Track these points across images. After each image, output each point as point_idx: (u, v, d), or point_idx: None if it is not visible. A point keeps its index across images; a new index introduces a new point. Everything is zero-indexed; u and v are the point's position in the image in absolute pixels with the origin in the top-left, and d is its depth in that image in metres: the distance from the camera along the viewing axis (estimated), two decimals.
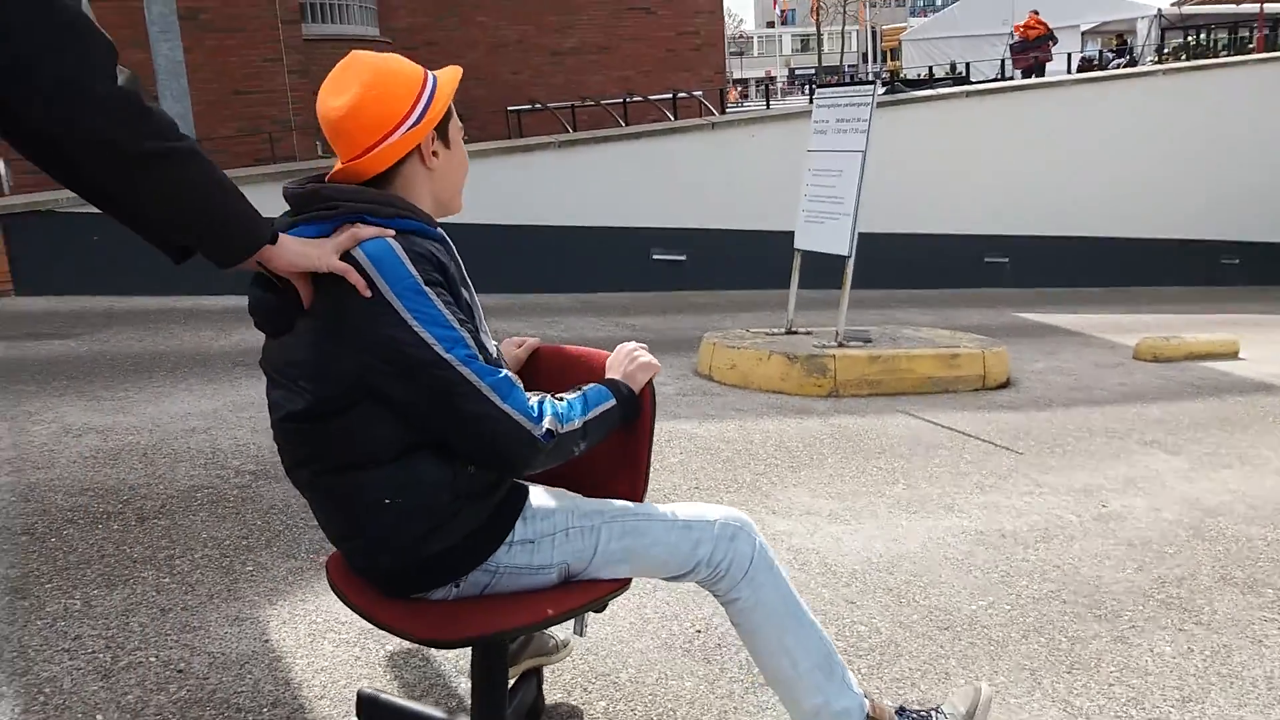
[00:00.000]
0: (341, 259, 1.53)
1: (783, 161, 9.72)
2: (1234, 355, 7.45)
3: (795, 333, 6.60)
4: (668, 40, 18.94)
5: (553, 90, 17.37)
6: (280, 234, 1.53)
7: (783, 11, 68.67)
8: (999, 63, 19.24)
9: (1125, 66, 21.85)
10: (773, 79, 49.73)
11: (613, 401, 1.76)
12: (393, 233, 1.58)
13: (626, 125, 13.24)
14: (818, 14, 52.27)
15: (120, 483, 3.78)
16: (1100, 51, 27.40)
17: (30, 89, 1.23)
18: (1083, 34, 30.41)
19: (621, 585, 1.83)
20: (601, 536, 1.78)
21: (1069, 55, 20.28)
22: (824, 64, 52.83)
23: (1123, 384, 6.41)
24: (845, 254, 6.17)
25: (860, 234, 6.11)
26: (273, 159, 11.90)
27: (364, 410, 1.57)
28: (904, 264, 11.46)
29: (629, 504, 1.85)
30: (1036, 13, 18.04)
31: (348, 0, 15.36)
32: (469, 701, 1.90)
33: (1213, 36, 29.50)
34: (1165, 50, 25.85)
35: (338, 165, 1.66)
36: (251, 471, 3.97)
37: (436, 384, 1.54)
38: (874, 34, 49.52)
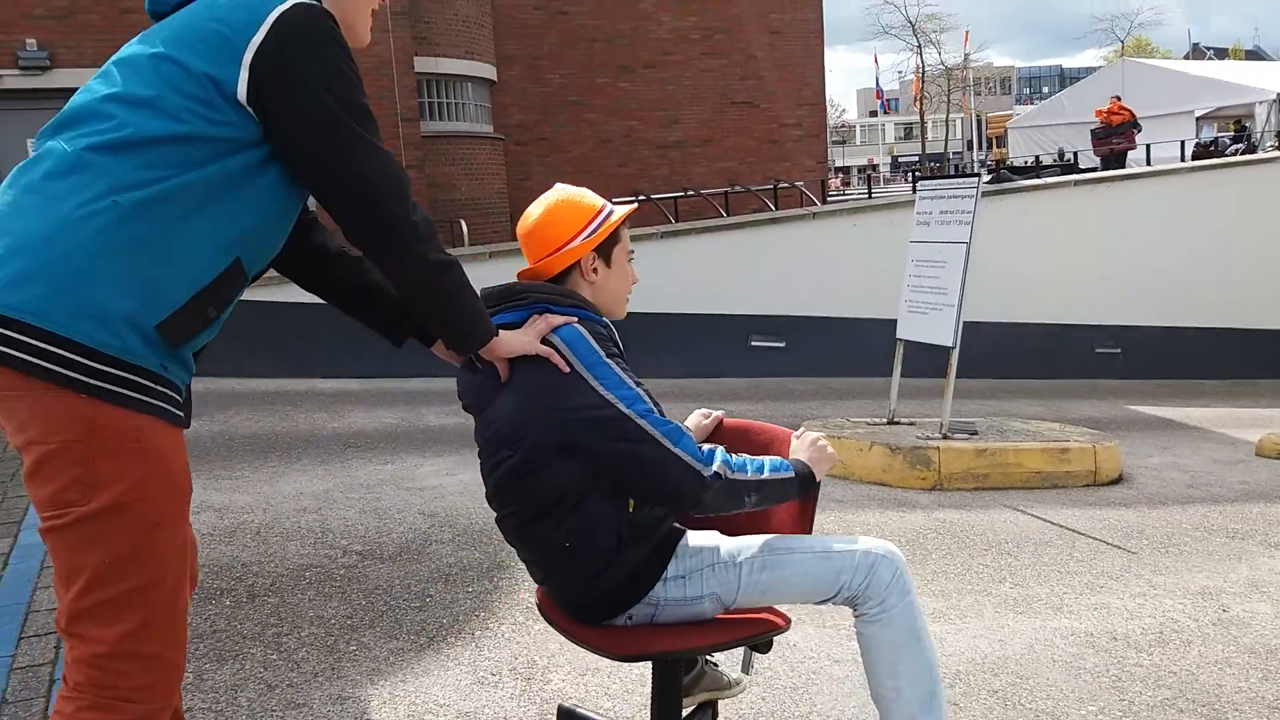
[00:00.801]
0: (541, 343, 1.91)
1: (884, 249, 9.74)
2: None
3: (898, 423, 6.52)
4: (771, 132, 19.28)
5: (657, 182, 17.83)
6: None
7: (886, 101, 69.13)
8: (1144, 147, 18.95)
9: (1244, 152, 21.25)
10: (875, 167, 49.88)
11: (791, 474, 2.00)
12: (576, 319, 1.95)
13: (728, 215, 13.46)
14: (921, 102, 52.44)
15: (234, 560, 3.95)
16: (1217, 138, 26.70)
17: (356, 218, 1.63)
18: (1198, 119, 29.74)
19: (780, 626, 2.05)
20: (743, 570, 2.00)
21: (1182, 143, 19.83)
22: (928, 151, 52.81)
23: (1244, 482, 6.11)
24: (950, 344, 6.11)
25: (965, 322, 6.05)
26: None
27: (550, 469, 1.90)
28: (1011, 354, 11.23)
29: (771, 538, 2.05)
30: (1119, 98, 17.67)
31: (462, 100, 16.14)
32: None
33: None
34: None
35: (527, 268, 2.09)
36: (359, 552, 4.10)
37: (620, 435, 1.86)
38: (979, 121, 49.33)
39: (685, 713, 2.18)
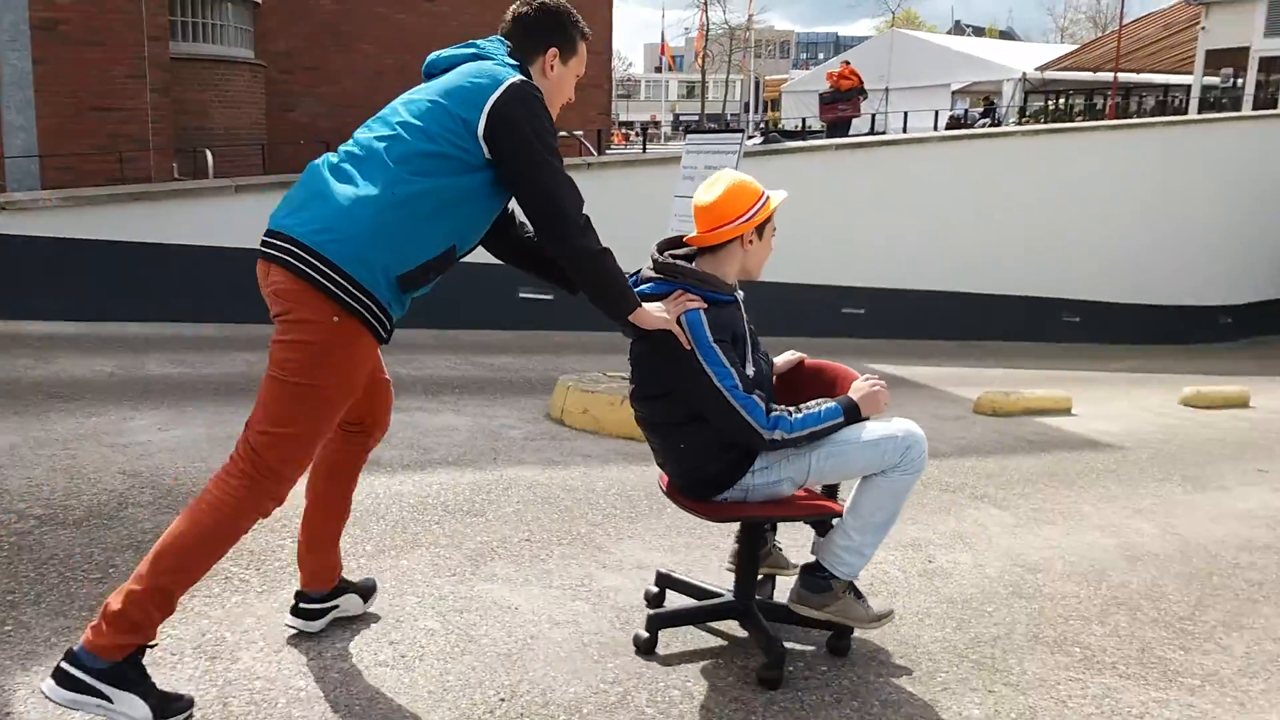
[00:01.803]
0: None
1: (659, 203, 9.75)
2: (1068, 411, 7.74)
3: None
4: None
5: None
6: (641, 301, 2.66)
7: (671, 57, 69.95)
8: (870, 116, 19.85)
9: (990, 126, 22.93)
10: (657, 124, 50.46)
11: (841, 417, 2.74)
12: (705, 305, 2.69)
13: None
14: (703, 62, 53.35)
15: None
16: (966, 110, 28.67)
17: (544, 220, 2.46)
18: (953, 93, 31.87)
19: (836, 511, 2.90)
20: (813, 459, 2.78)
21: (936, 113, 21.12)
22: (708, 111, 53.91)
23: (961, 437, 6.56)
24: None
25: None
26: (123, 179, 11.30)
27: (673, 398, 2.75)
28: (764, 312, 11.57)
29: (835, 436, 2.75)
30: (849, 63, 18.09)
31: (220, 21, 14.87)
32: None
33: (1070, 102, 31.31)
34: (1027, 113, 27.23)
35: (697, 234, 2.77)
36: (38, 516, 3.65)
37: (711, 398, 2.66)
38: (757, 84, 50.81)
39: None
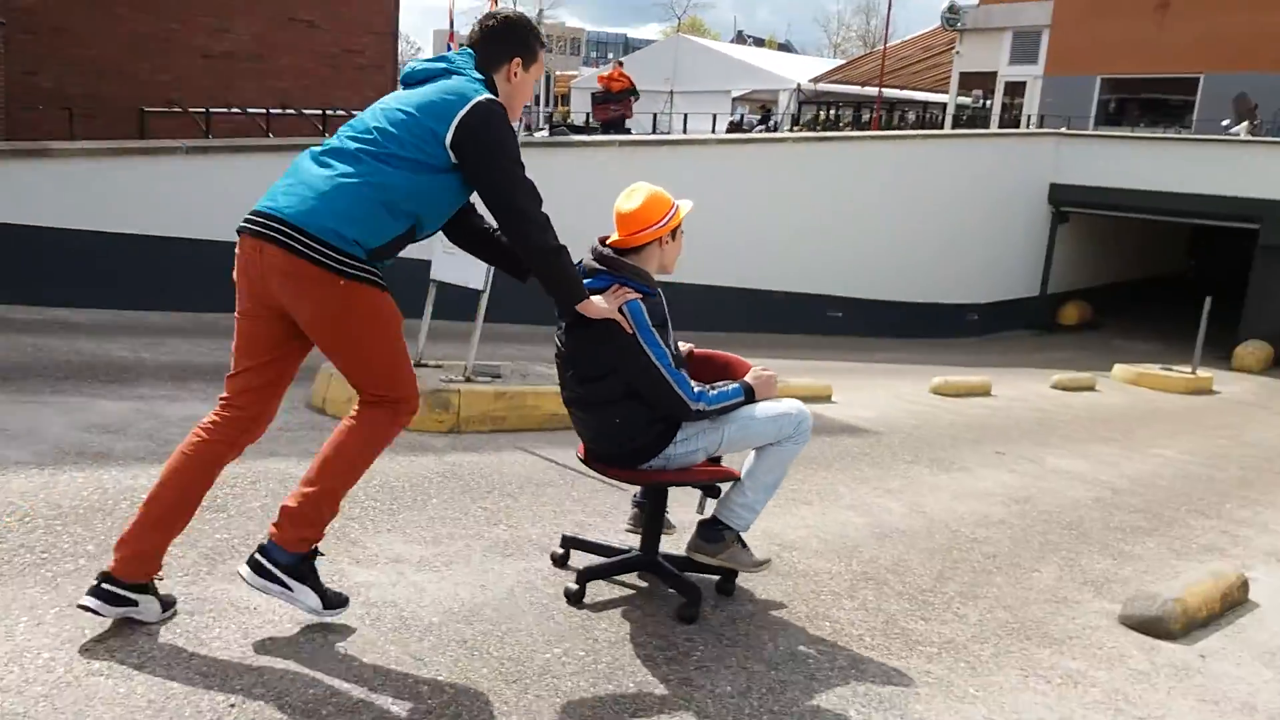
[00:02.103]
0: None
1: None
2: (828, 399, 8.14)
3: (424, 365, 6.33)
4: (333, 56, 18.10)
5: (198, 94, 15.96)
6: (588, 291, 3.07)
7: (457, 46, 68.67)
8: (652, 116, 20.23)
9: (766, 133, 23.90)
10: None
11: (743, 396, 3.24)
12: (640, 296, 3.10)
13: (273, 137, 12.44)
14: None
15: None
16: (743, 115, 29.75)
17: (506, 218, 2.83)
18: (734, 99, 33.04)
19: (734, 475, 3.37)
20: (726, 433, 3.26)
21: (714, 116, 21.77)
22: None
23: None
24: (480, 288, 6.02)
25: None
26: None
27: (611, 377, 3.12)
28: (547, 300, 11.54)
29: (739, 413, 3.24)
30: (621, 64, 18.63)
31: None
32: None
33: (839, 113, 33.14)
34: (800, 121, 28.58)
35: (616, 238, 3.23)
36: None
37: (650, 376, 3.08)
38: (548, 78, 50.74)
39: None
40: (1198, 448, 8.51)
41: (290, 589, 2.78)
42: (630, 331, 3.04)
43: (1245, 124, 18.97)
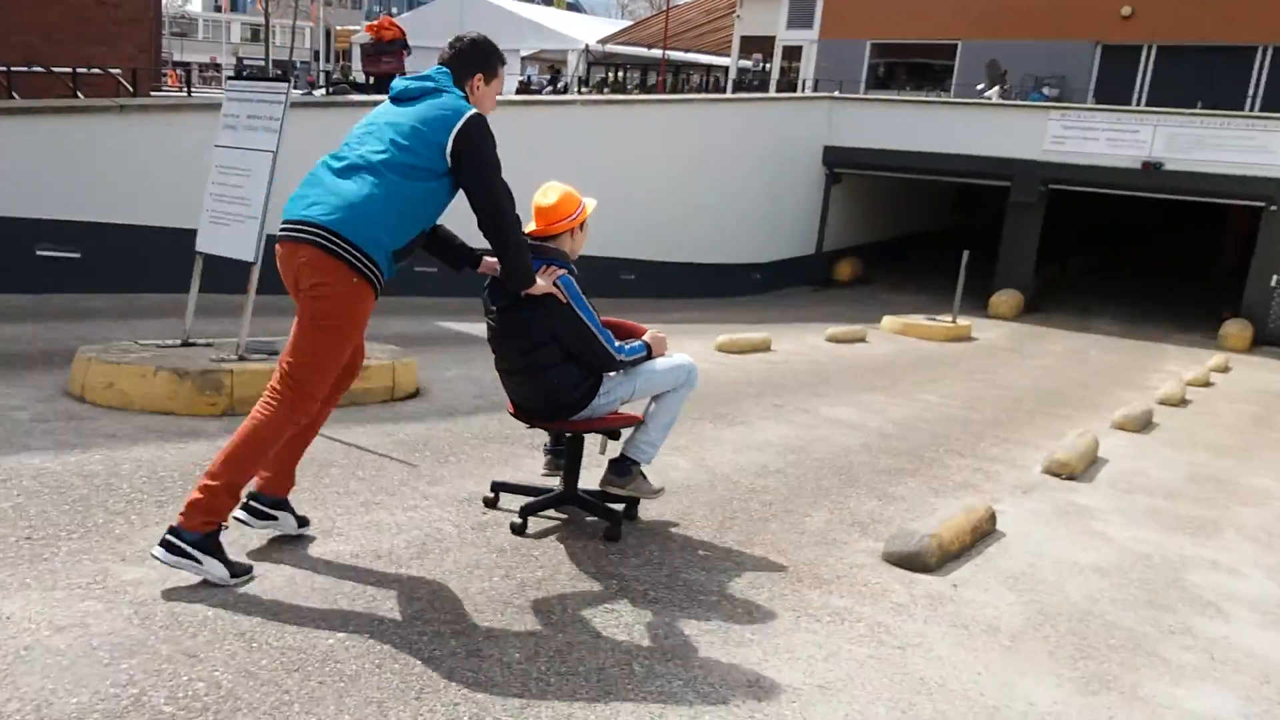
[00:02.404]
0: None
1: (201, 153, 8.91)
2: None
3: (194, 344, 5.99)
4: (82, 9, 16.54)
5: None
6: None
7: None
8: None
9: (555, 93, 23.80)
10: (218, 66, 46.30)
11: (645, 353, 3.94)
12: (566, 271, 3.75)
13: (19, 98, 11.31)
14: (265, 4, 49.77)
15: None
16: (531, 76, 29.51)
17: (488, 216, 3.40)
18: (523, 59, 32.66)
19: (637, 420, 4.05)
20: (635, 385, 3.95)
21: (511, 77, 21.45)
22: (274, 57, 50.48)
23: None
24: (251, 260, 5.74)
25: (271, 236, 5.69)
26: None
27: (551, 344, 3.73)
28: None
29: (644, 367, 3.94)
30: (390, 14, 17.82)
31: None
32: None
33: (628, 75, 33.43)
34: (589, 83, 28.63)
35: (535, 228, 3.83)
36: None
37: (585, 336, 3.75)
38: (328, 33, 48.47)
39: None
40: (956, 392, 9.26)
41: (200, 562, 3.13)
42: (565, 301, 3.68)
43: (997, 88, 20.55)
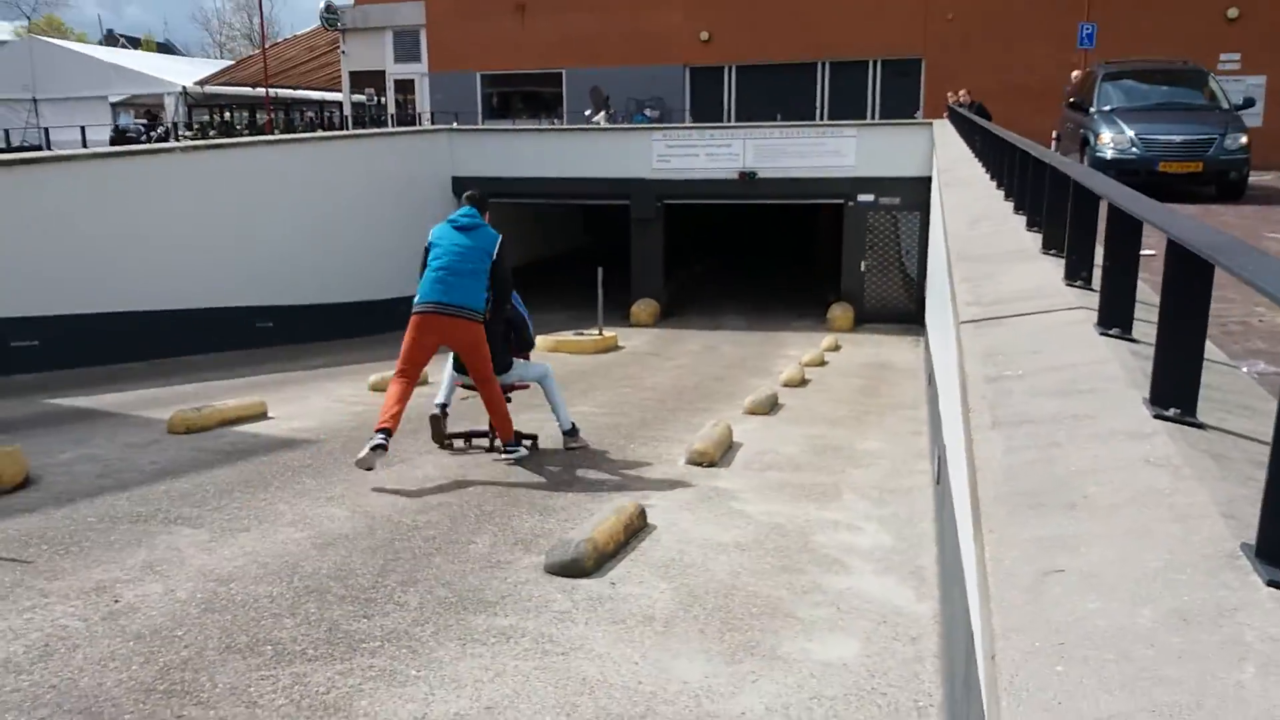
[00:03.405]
0: None
1: None
2: (263, 415, 7.88)
3: None
4: None
5: None
6: None
7: None
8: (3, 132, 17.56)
9: (159, 140, 22.03)
10: None
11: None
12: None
13: None
14: None
15: None
16: (126, 124, 27.20)
17: (504, 294, 6.53)
18: (113, 105, 29.93)
19: (522, 389, 7.06)
20: (529, 371, 6.95)
21: (83, 129, 19.60)
22: None
23: (154, 462, 6.21)
24: None
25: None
26: None
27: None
28: None
29: (526, 364, 6.96)
30: None
31: None
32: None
33: (234, 116, 31.67)
34: (192, 126, 26.80)
35: None
36: None
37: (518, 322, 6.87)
38: None
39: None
40: (608, 400, 9.72)
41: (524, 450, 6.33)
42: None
43: (603, 113, 21.79)
